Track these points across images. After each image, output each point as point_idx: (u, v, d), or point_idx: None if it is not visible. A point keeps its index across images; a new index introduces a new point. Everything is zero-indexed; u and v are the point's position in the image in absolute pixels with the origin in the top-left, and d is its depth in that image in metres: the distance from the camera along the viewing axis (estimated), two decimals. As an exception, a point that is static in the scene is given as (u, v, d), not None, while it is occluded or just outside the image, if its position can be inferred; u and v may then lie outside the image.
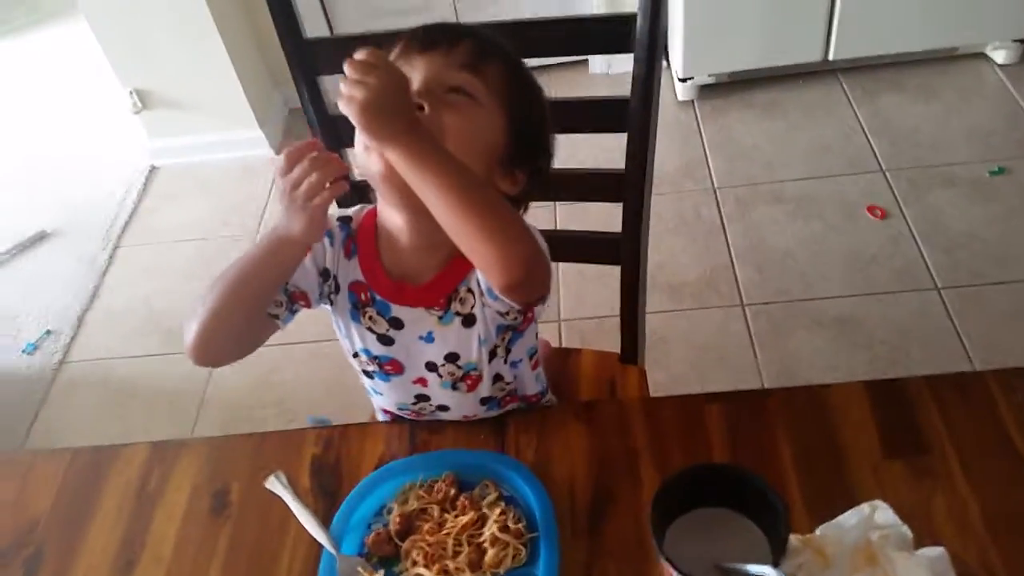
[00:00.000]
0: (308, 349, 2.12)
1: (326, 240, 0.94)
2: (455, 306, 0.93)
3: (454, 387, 1.00)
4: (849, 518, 0.82)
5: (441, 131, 0.81)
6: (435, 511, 0.90)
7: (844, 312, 2.07)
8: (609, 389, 1.40)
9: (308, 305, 0.95)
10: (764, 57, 2.68)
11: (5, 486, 1.03)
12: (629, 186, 1.24)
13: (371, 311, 0.96)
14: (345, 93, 0.72)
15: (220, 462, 1.02)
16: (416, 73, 0.84)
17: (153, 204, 2.83)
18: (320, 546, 0.89)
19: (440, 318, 0.94)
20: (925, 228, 2.25)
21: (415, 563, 0.87)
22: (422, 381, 1.01)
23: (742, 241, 2.31)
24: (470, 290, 0.92)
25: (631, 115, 1.17)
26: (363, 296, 0.96)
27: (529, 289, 0.82)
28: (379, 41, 1.15)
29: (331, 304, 0.98)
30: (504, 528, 0.86)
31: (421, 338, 0.96)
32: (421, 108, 0.81)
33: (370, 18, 2.79)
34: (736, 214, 2.40)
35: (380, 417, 1.13)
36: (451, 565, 0.85)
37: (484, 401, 1.02)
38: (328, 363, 2.09)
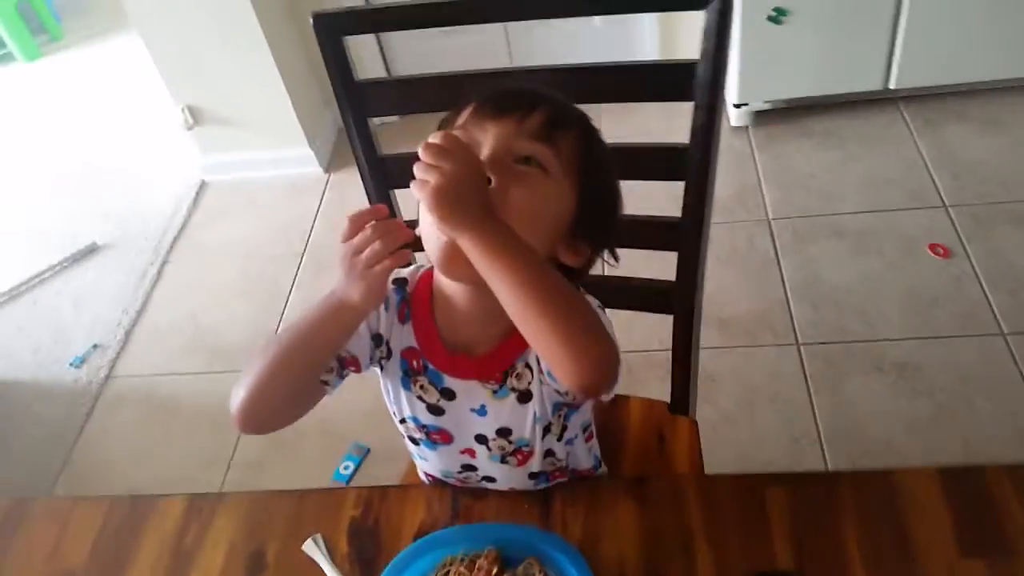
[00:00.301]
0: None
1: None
2: (511, 381, 0.89)
3: (503, 460, 0.96)
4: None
5: (507, 204, 0.77)
6: (477, 589, 0.86)
7: (904, 356, 1.99)
8: (658, 440, 1.35)
9: (358, 370, 0.91)
10: (822, 84, 2.60)
11: (44, 534, 1.02)
12: (685, 237, 1.19)
13: (423, 380, 0.92)
14: (419, 177, 0.69)
15: (258, 520, 0.99)
16: (486, 139, 0.80)
17: (202, 220, 2.84)
18: (357, 619, 0.86)
19: (495, 392, 0.90)
20: (990, 268, 2.15)
21: (455, 645, 0.83)
22: (470, 452, 0.97)
23: (797, 275, 2.24)
24: (528, 365, 0.88)
25: (690, 164, 1.12)
26: (415, 364, 0.92)
27: (600, 391, 0.77)
28: (438, 89, 1.13)
29: (381, 369, 0.95)
30: (549, 613, 0.82)
31: (473, 410, 0.92)
32: (488, 180, 0.77)
33: (418, 39, 2.77)
34: (791, 247, 2.32)
35: (423, 478, 1.10)
36: (493, 649, 0.81)
37: (533, 476, 0.98)
38: (372, 389, 2.07)
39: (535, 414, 0.91)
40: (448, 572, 0.88)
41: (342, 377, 0.91)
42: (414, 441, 1.00)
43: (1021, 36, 2.43)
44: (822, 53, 2.50)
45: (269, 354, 0.82)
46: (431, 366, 0.91)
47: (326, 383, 0.89)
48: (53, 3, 4.24)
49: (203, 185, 2.96)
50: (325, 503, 0.99)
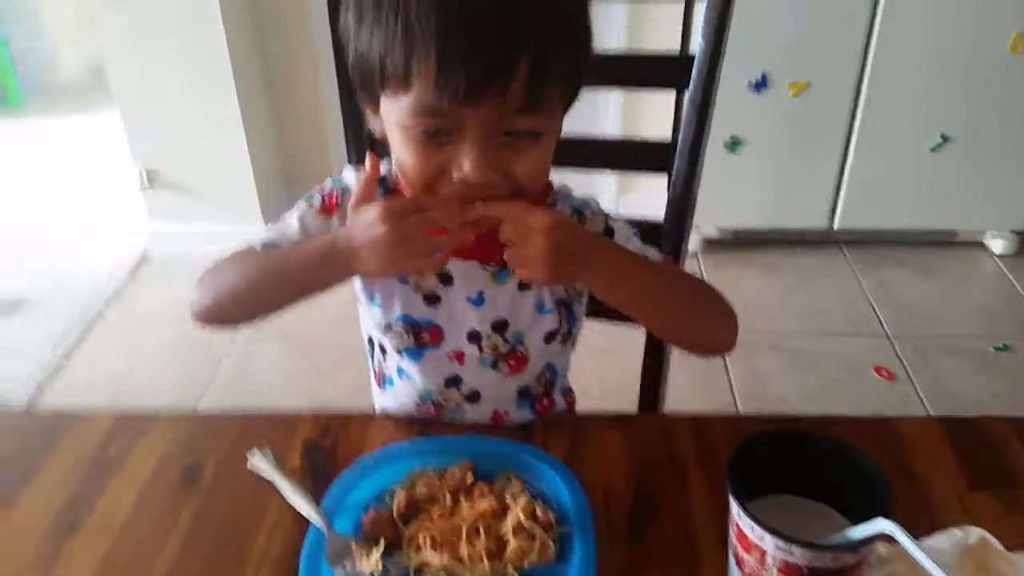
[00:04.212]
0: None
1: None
2: None
3: (495, 366, 0.89)
4: (940, 540, 0.71)
5: (517, 184, 0.73)
6: (447, 498, 0.76)
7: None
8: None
9: None
10: (771, 217, 2.72)
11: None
12: (683, 155, 1.16)
13: None
14: (517, 259, 0.73)
15: (196, 436, 0.88)
16: (467, 129, 0.69)
17: (139, 288, 2.71)
18: (306, 526, 0.74)
19: (495, 275, 0.85)
20: (934, 394, 2.18)
21: (420, 549, 0.72)
22: (459, 356, 0.89)
23: (746, 384, 2.23)
24: None
25: (697, 70, 1.05)
26: None
27: (732, 347, 0.89)
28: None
29: None
30: (531, 516, 0.73)
31: (470, 299, 0.86)
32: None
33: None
34: (739, 359, 2.33)
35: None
36: (465, 552, 0.71)
37: (522, 392, 0.91)
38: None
39: (535, 304, 0.86)
40: (415, 482, 0.79)
41: None
42: (396, 353, 0.92)
43: (954, 193, 2.60)
44: (773, 186, 2.64)
45: (240, 275, 0.83)
46: None
47: None
48: (23, 80, 4.24)
49: (145, 254, 2.84)
50: (275, 425, 0.89)
